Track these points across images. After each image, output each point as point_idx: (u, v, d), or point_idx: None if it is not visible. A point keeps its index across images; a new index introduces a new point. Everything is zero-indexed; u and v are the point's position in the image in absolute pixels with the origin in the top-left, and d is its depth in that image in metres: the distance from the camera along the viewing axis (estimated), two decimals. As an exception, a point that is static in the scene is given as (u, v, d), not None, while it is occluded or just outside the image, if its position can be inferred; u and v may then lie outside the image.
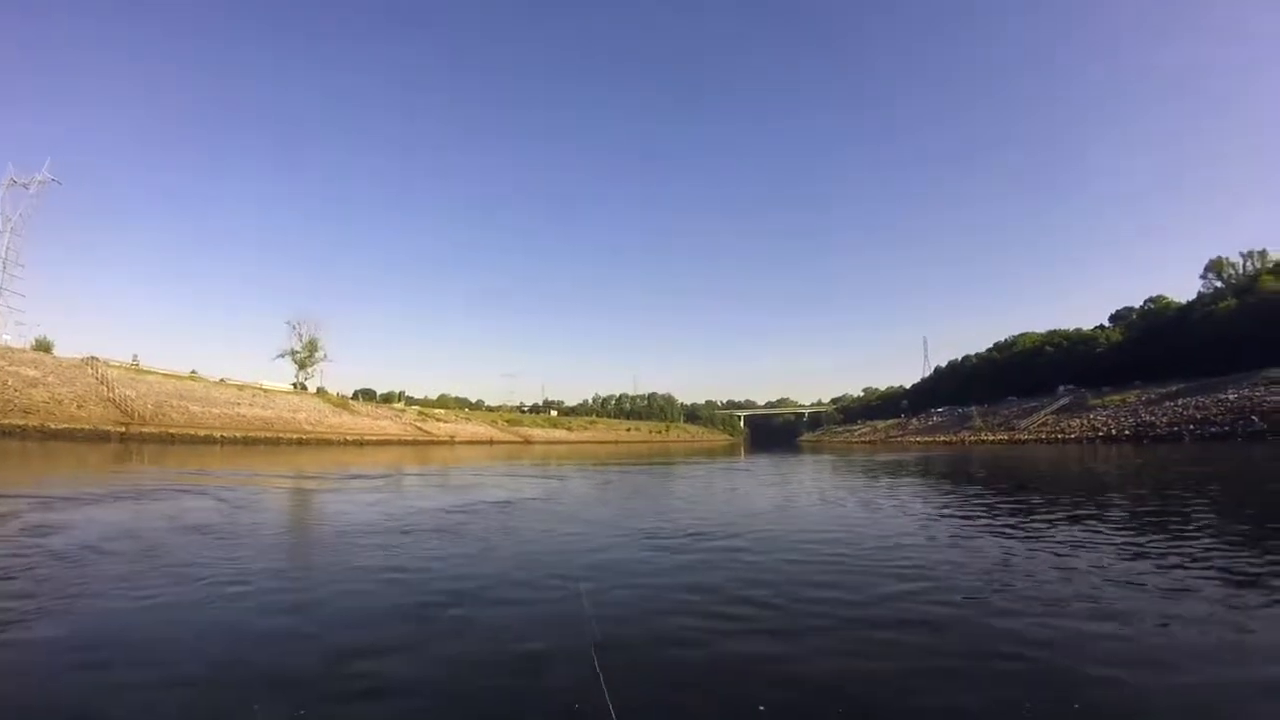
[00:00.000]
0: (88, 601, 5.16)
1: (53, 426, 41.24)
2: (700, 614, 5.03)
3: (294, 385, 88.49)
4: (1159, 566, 6.54)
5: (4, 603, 5.05)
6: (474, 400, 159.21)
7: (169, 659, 3.95)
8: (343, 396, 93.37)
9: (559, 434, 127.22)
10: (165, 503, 11.95)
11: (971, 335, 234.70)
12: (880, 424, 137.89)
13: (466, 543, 8.29)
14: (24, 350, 56.22)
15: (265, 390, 75.11)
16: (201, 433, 49.86)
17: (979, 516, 11.08)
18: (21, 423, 40.16)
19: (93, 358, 58.07)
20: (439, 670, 3.81)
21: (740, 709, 3.32)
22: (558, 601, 5.42)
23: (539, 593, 5.74)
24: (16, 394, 44.04)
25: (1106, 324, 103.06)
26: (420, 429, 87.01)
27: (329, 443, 59.20)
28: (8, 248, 63.97)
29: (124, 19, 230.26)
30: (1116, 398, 75.40)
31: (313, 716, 3.17)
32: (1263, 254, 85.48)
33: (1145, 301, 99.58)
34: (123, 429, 45.12)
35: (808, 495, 16.19)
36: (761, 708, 3.25)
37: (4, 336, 59.54)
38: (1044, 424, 77.87)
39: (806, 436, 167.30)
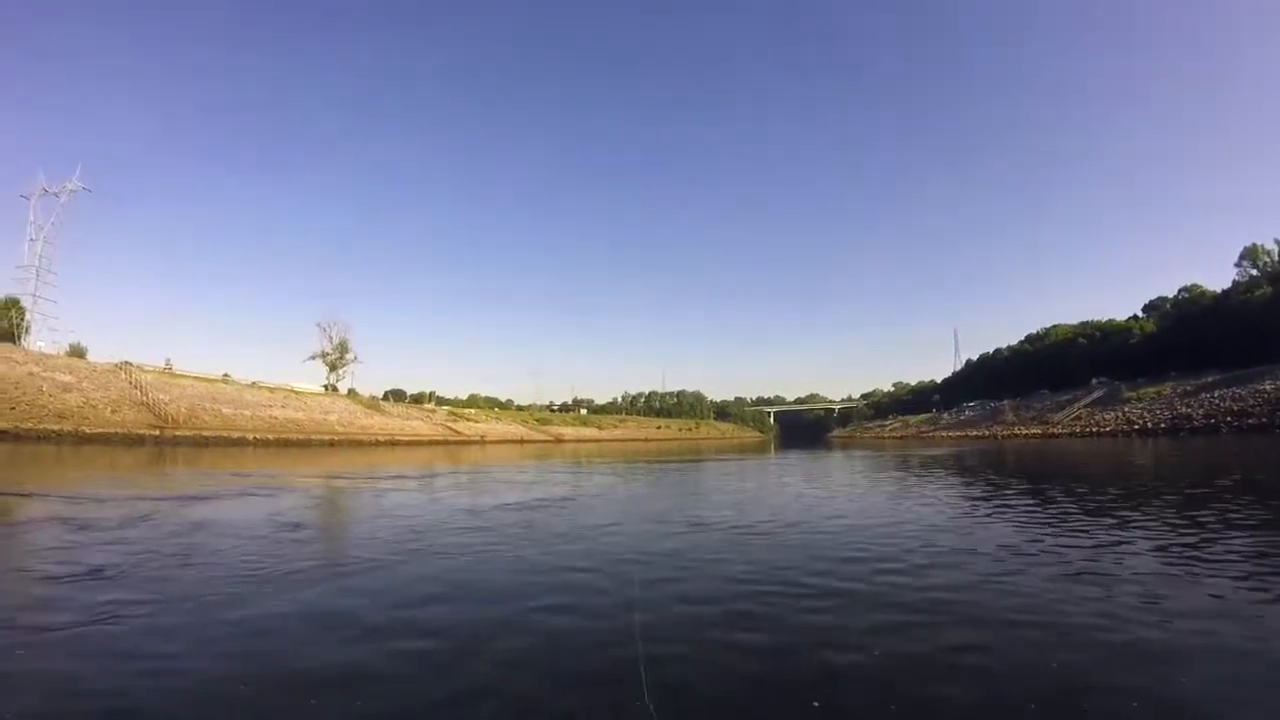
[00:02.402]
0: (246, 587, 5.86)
1: (87, 431, 41.84)
2: (753, 599, 5.23)
3: (325, 387, 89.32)
4: (1186, 558, 6.46)
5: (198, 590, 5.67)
6: (504, 400, 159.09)
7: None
8: (374, 398, 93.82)
9: (589, 432, 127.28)
10: (265, 500, 13.37)
11: (1002, 327, 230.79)
12: (911, 419, 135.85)
13: (544, 535, 8.81)
14: (58, 356, 57.22)
15: (297, 392, 75.60)
16: (234, 435, 50.33)
17: (1014, 508, 11.07)
18: (56, 427, 40.80)
19: (126, 363, 58.91)
20: (507, 643, 4.22)
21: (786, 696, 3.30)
22: (615, 580, 5.95)
23: (600, 578, 6.12)
24: (51, 399, 44.73)
25: (1140, 314, 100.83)
26: (451, 429, 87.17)
27: (360, 443, 59.40)
28: (40, 256, 65.35)
29: (139, 21, 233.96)
30: (1151, 390, 73.32)
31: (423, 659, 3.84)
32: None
33: (1179, 290, 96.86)
34: (157, 432, 45.67)
35: (844, 489, 16.44)
36: (816, 703, 3.17)
37: (38, 343, 60.84)
38: (1078, 417, 76.25)
39: (837, 432, 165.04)
